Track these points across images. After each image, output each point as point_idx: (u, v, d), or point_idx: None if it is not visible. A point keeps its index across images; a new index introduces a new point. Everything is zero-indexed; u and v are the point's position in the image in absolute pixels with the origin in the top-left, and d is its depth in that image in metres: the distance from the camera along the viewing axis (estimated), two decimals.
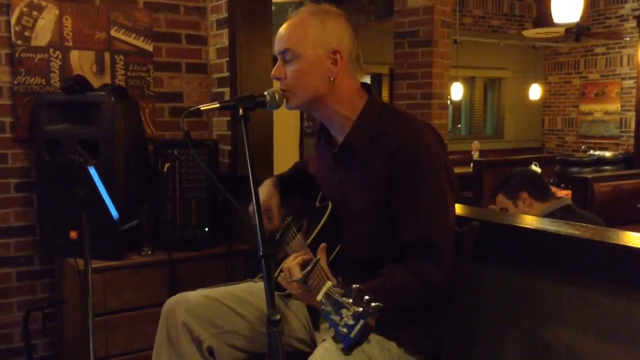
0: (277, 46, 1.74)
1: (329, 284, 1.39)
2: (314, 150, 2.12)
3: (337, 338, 1.28)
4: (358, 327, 1.24)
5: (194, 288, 1.97)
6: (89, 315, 2.03)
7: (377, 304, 1.24)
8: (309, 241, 1.76)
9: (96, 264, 2.64)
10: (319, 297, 1.38)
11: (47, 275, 3.18)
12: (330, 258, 1.68)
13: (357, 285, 1.30)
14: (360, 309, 1.24)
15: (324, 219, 1.78)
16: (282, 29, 1.75)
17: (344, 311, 1.27)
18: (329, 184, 1.87)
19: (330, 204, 1.80)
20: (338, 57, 1.70)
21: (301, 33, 1.70)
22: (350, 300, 1.28)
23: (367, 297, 1.26)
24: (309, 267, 1.51)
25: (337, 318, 1.29)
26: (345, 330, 1.25)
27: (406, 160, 1.63)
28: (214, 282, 2.09)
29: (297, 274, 1.54)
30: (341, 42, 1.71)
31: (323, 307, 1.35)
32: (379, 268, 1.65)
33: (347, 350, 1.26)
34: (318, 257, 1.52)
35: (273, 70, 1.75)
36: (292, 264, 1.58)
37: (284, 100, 1.74)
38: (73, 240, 2.78)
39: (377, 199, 1.68)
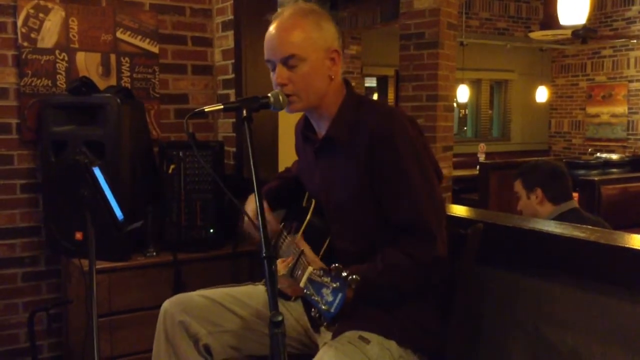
0: (278, 51, 1.72)
1: (309, 269, 1.44)
2: (296, 152, 2.14)
3: (321, 319, 1.35)
4: (337, 300, 1.31)
5: (198, 289, 2.00)
6: (92, 316, 2.04)
7: (354, 276, 1.30)
8: (297, 238, 1.79)
9: (101, 264, 2.65)
10: (302, 283, 1.44)
11: (53, 276, 3.20)
12: (321, 252, 1.72)
13: (336, 265, 1.35)
14: (337, 284, 1.31)
15: (308, 216, 1.82)
16: (277, 34, 1.73)
17: (324, 290, 1.34)
18: (313, 181, 1.89)
19: (313, 200, 1.85)
20: (335, 56, 1.75)
21: (303, 37, 1.70)
22: (329, 279, 1.34)
23: (344, 273, 1.32)
24: (294, 260, 1.56)
25: (318, 298, 1.35)
26: (325, 307, 1.32)
27: (382, 144, 1.66)
28: (219, 283, 2.11)
29: (283, 270, 1.59)
30: (335, 41, 1.75)
31: (306, 291, 1.41)
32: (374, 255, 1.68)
33: (331, 324, 1.34)
34: (301, 249, 1.57)
35: (276, 77, 1.74)
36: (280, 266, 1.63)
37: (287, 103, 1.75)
38: (78, 241, 2.77)
39: (360, 187, 1.70)
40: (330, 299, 1.32)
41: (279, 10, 1.77)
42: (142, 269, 2.85)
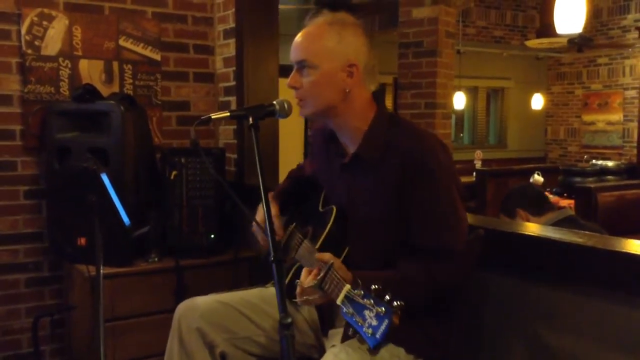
0: (294, 55, 1.74)
1: (347, 287, 1.39)
2: (310, 151, 2.12)
3: (362, 339, 1.30)
4: (382, 327, 1.26)
5: (200, 294, 1.99)
6: (99, 321, 2.06)
7: (399, 303, 1.26)
8: (317, 246, 1.78)
9: (104, 270, 2.66)
10: (339, 300, 1.39)
11: (56, 282, 3.21)
12: (340, 260, 1.68)
13: (376, 286, 1.31)
14: (383, 309, 1.27)
15: (330, 223, 1.79)
16: (298, 38, 1.75)
17: (366, 312, 1.29)
18: (335, 191, 1.88)
19: (334, 208, 1.82)
20: (354, 70, 1.71)
21: (318, 44, 1.70)
22: (372, 301, 1.30)
23: (387, 297, 1.28)
24: (322, 273, 1.52)
25: (360, 320, 1.31)
26: (370, 330, 1.28)
27: (416, 170, 1.65)
28: (220, 289, 2.11)
29: (311, 281, 1.54)
30: (358, 55, 1.71)
31: (345, 309, 1.36)
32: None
33: (375, 350, 1.29)
34: (331, 262, 1.53)
35: (289, 79, 1.76)
36: (307, 278, 1.58)
37: (298, 107, 1.76)
38: (81, 246, 2.81)
39: (387, 208, 1.70)
40: (374, 323, 1.28)
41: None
42: (144, 274, 2.88)
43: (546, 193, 6.90)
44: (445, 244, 1.65)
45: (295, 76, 1.75)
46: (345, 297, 1.38)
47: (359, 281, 1.38)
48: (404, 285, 1.61)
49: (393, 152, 1.69)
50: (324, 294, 1.51)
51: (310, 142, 2.14)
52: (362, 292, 1.33)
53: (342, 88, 1.72)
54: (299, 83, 1.73)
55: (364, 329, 1.28)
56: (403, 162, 1.66)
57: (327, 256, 1.60)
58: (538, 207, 2.98)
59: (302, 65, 1.72)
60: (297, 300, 1.62)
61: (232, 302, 1.92)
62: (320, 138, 1.96)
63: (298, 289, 1.60)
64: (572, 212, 3.08)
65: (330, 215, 1.81)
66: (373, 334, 1.27)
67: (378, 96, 1.83)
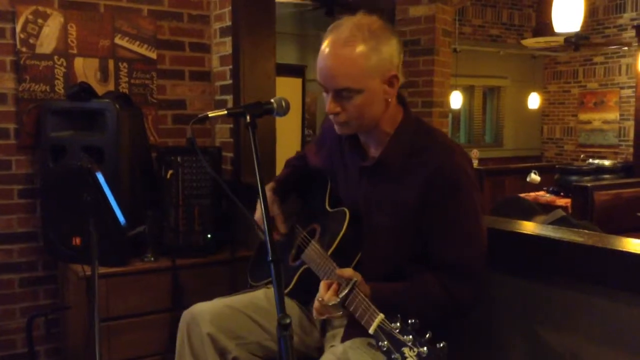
0: (331, 82, 1.63)
1: (380, 316, 1.36)
2: (319, 142, 2.06)
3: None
4: None
5: (197, 295, 1.98)
6: (95, 321, 2.03)
7: (442, 344, 1.23)
8: (330, 252, 1.72)
9: (99, 269, 2.64)
10: (371, 330, 1.37)
11: (50, 282, 3.19)
12: (351, 266, 1.67)
13: (412, 321, 1.28)
14: (425, 350, 1.24)
15: (344, 228, 1.73)
16: (330, 62, 1.61)
17: (406, 350, 1.26)
18: (347, 192, 1.83)
19: (347, 211, 1.76)
20: (394, 80, 1.65)
21: (358, 68, 1.59)
22: (411, 338, 1.26)
23: (428, 336, 1.25)
24: (345, 291, 1.48)
25: (398, 357, 1.27)
26: None
27: (444, 183, 1.61)
28: (217, 289, 2.10)
29: (334, 298, 1.51)
30: (394, 61, 1.64)
31: (380, 342, 1.32)
32: (398, 280, 1.65)
33: None
34: (354, 280, 1.50)
35: (327, 107, 1.66)
36: (327, 293, 1.55)
37: (337, 127, 1.71)
38: (76, 246, 2.79)
39: (406, 217, 1.66)
40: None
41: (337, 22, 1.64)
42: (140, 274, 2.85)
43: (542, 192, 6.94)
44: (464, 261, 1.63)
45: (335, 102, 1.64)
46: (379, 327, 1.35)
47: (399, 315, 1.35)
48: (419, 299, 1.60)
49: (420, 163, 1.65)
50: (347, 312, 1.48)
51: (320, 134, 2.06)
52: (400, 327, 1.30)
53: (386, 100, 1.66)
54: (340, 107, 1.65)
55: None
56: (432, 177, 1.62)
57: (349, 272, 1.57)
58: (524, 214, 2.99)
59: (343, 92, 1.62)
60: (315, 317, 1.60)
61: (240, 306, 1.90)
62: (335, 133, 1.85)
63: (316, 304, 1.57)
64: (564, 213, 3.07)
65: (344, 219, 1.75)
66: None
67: (403, 98, 1.77)
